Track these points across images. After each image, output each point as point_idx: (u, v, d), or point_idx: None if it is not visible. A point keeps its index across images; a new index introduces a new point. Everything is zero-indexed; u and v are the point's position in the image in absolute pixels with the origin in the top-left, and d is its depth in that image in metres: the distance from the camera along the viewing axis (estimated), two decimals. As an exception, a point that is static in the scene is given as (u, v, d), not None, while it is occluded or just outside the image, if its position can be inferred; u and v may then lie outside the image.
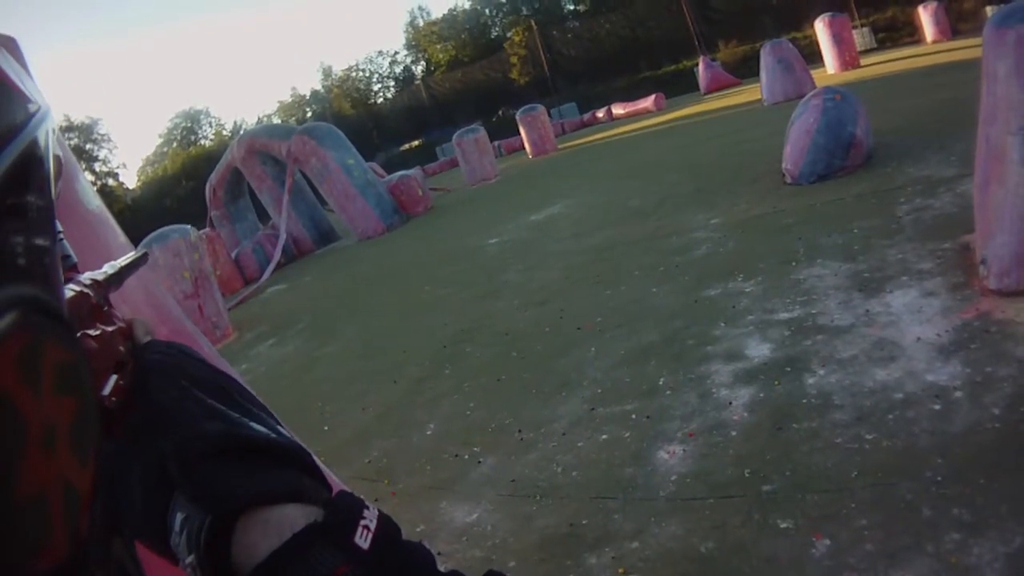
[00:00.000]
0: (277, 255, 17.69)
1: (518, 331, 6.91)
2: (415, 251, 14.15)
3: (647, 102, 41.53)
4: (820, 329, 4.93)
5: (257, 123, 70.29)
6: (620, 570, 3.17)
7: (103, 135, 71.35)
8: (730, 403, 4.33)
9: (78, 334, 0.63)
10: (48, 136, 0.48)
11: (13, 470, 0.37)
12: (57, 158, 0.53)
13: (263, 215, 23.66)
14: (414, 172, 22.20)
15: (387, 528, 0.64)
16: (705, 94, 39.81)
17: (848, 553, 2.83)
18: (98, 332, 0.68)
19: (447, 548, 3.75)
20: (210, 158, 47.63)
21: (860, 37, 37.03)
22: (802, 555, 2.90)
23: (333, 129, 19.79)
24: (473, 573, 0.63)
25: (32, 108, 0.47)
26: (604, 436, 4.42)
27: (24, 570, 0.38)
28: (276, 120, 71.03)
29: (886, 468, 3.28)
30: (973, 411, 3.48)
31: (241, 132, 31.63)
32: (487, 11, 73.08)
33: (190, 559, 0.62)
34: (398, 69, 78.75)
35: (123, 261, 0.85)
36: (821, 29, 27.10)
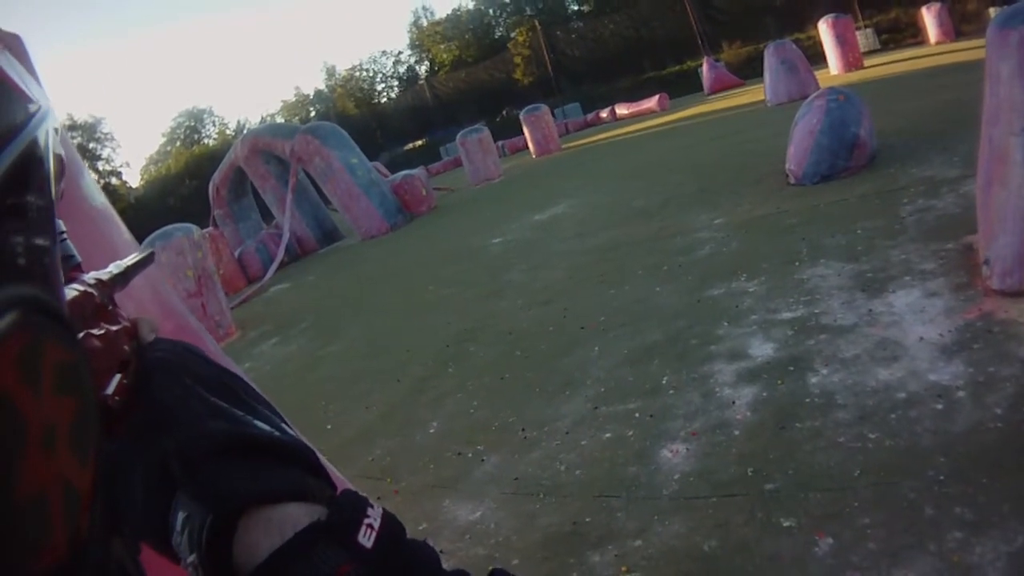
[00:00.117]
0: (280, 254, 17.69)
1: (522, 330, 6.92)
2: (419, 250, 14.16)
3: (651, 102, 41.44)
4: (823, 329, 4.94)
5: (261, 122, 70.24)
6: (623, 568, 3.18)
7: (106, 134, 71.28)
8: (733, 402, 4.33)
9: (82, 333, 0.63)
10: (48, 136, 0.48)
11: (13, 470, 0.37)
12: (59, 157, 0.53)
13: (266, 214, 23.64)
14: (418, 172, 22.13)
15: (391, 527, 0.63)
16: (709, 95, 39.71)
17: (851, 552, 2.83)
18: (102, 331, 0.67)
19: (450, 546, 3.75)
20: (213, 157, 47.54)
21: (864, 38, 36.99)
22: (805, 554, 2.91)
23: (337, 128, 19.80)
24: (476, 571, 0.64)
25: (32, 108, 0.47)
26: (607, 435, 4.43)
27: (24, 570, 0.38)
28: (280, 119, 70.89)
29: (889, 467, 3.28)
30: (976, 411, 3.49)
31: (245, 131, 31.62)
32: (491, 11, 72.98)
33: (192, 558, 0.61)
34: (402, 69, 78.68)
35: (129, 261, 0.84)
36: (825, 30, 27.06)
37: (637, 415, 4.55)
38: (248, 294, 15.61)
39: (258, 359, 9.43)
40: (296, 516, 0.61)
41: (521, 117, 28.52)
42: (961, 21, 34.68)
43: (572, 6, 70.15)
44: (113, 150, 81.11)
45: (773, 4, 54.73)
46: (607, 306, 6.82)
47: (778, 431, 3.87)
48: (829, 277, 5.78)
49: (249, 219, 23.46)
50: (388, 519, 0.64)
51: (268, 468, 0.65)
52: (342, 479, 2.76)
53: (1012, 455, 3.09)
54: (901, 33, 43.58)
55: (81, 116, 69.47)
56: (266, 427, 0.69)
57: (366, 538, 0.60)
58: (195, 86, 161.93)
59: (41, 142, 0.47)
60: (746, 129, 16.69)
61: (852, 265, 5.86)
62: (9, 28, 1.99)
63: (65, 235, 0.68)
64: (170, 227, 12.21)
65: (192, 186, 61.05)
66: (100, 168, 67.65)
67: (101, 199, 2.15)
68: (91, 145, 67.10)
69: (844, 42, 26.72)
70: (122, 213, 2.30)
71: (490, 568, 0.68)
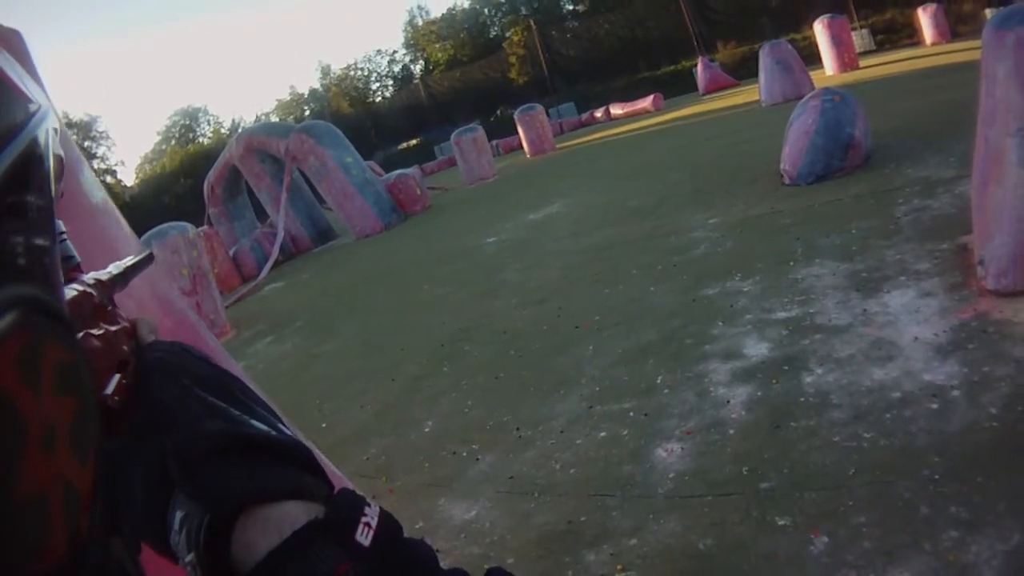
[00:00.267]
0: (275, 253, 17.68)
1: (516, 330, 6.92)
2: (413, 250, 14.16)
3: (645, 102, 41.49)
4: (818, 328, 4.94)
5: (255, 121, 70.09)
6: (618, 567, 3.18)
7: (101, 132, 71.21)
8: (728, 401, 4.34)
9: (81, 333, 0.63)
10: (48, 135, 0.48)
11: (13, 470, 0.37)
12: (58, 157, 0.52)
13: (261, 213, 23.65)
14: (412, 171, 22.13)
15: (389, 525, 0.63)
16: (704, 95, 39.76)
17: (846, 551, 2.84)
18: (101, 331, 0.68)
19: (446, 545, 3.75)
20: (208, 156, 47.52)
21: (859, 39, 37.02)
22: (800, 552, 2.91)
23: (331, 127, 19.79)
24: (472, 570, 0.64)
25: (32, 108, 0.46)
26: (602, 434, 4.43)
27: (24, 570, 0.37)
28: (274, 118, 70.73)
29: (884, 466, 3.29)
30: (971, 410, 3.50)
31: (239, 130, 31.61)
32: (486, 11, 72.92)
33: (190, 557, 0.61)
34: (397, 68, 78.59)
35: (128, 261, 0.84)
36: (820, 30, 27.10)
37: (632, 414, 4.55)
38: (243, 293, 15.60)
39: (253, 358, 9.42)
40: (294, 515, 0.61)
41: (516, 117, 28.55)
42: (957, 22, 34.75)
43: (567, 6, 70.15)
44: (108, 148, 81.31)
45: (768, 4, 54.79)
46: (602, 305, 6.83)
47: (773, 430, 3.87)
48: (824, 277, 5.79)
49: (244, 218, 23.43)
50: (386, 518, 0.64)
51: (265, 467, 0.65)
52: (341, 476, 2.76)
53: (1007, 454, 3.09)
54: (897, 34, 43.63)
55: (76, 114, 69.40)
56: (263, 427, 0.69)
57: (364, 537, 0.60)
58: (190, 85, 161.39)
59: (41, 141, 0.46)
60: (741, 129, 16.71)
61: (847, 265, 5.87)
62: (3, 24, 1.98)
63: (65, 235, 0.68)
64: (165, 225, 12.19)
65: (187, 185, 61.00)
66: (95, 167, 67.38)
67: (101, 195, 2.15)
68: (86, 143, 67.00)
69: (839, 43, 26.76)
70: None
71: (487, 567, 0.67)
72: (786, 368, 4.52)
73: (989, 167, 4.58)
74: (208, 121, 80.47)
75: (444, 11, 77.49)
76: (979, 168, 4.75)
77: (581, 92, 58.77)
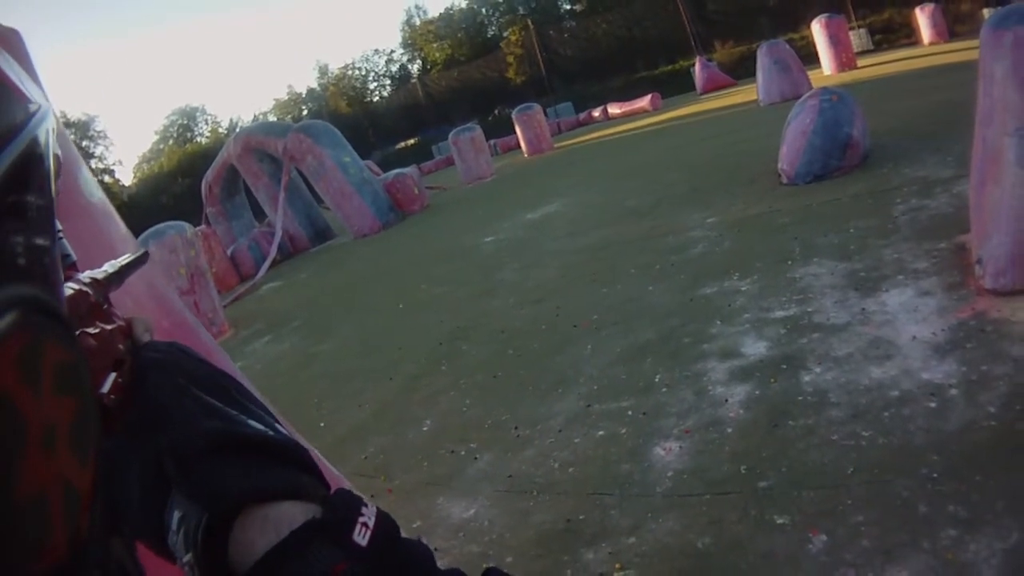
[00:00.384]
0: (273, 252, 17.67)
1: (514, 329, 6.92)
2: (411, 249, 14.15)
3: (643, 102, 41.45)
4: (816, 327, 4.95)
5: (253, 121, 70.03)
6: (617, 565, 3.18)
7: (99, 132, 71.03)
8: (726, 400, 4.34)
9: (77, 332, 0.62)
10: (48, 135, 0.48)
11: (13, 470, 0.37)
12: (56, 156, 0.52)
13: (259, 212, 23.62)
14: (410, 170, 22.08)
15: (386, 525, 0.63)
16: (701, 94, 39.73)
17: (844, 549, 2.84)
18: (97, 330, 0.68)
19: (444, 544, 3.75)
20: (206, 155, 47.43)
21: (857, 38, 37.02)
22: (798, 551, 2.92)
23: (329, 127, 19.78)
24: (470, 569, 0.64)
25: (32, 108, 0.46)
26: (600, 432, 4.43)
27: (24, 570, 0.37)
28: (272, 118, 70.75)
29: (882, 465, 3.29)
30: (969, 409, 3.50)
31: (237, 129, 31.62)
32: (484, 10, 72.84)
33: (187, 557, 0.61)
34: (394, 68, 78.46)
35: (123, 260, 0.84)
36: (818, 30, 27.10)
37: (630, 413, 4.55)
38: (241, 292, 15.60)
39: (251, 357, 9.41)
40: (291, 514, 0.61)
41: (513, 116, 28.54)
42: (955, 22, 34.74)
43: (565, 5, 70.10)
44: (106, 148, 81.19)
45: (766, 4, 54.77)
46: (600, 305, 6.83)
47: (771, 429, 3.87)
48: (822, 276, 5.79)
49: (242, 217, 23.42)
50: (382, 518, 0.64)
51: (262, 467, 0.65)
52: (339, 476, 2.76)
53: (1005, 453, 3.10)
54: (895, 33, 43.62)
55: (74, 114, 69.24)
56: (260, 426, 0.69)
57: (361, 536, 0.60)
58: (188, 84, 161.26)
59: (41, 141, 0.46)
60: (739, 129, 16.72)
61: (845, 264, 5.88)
62: (2, 23, 1.98)
63: (61, 234, 0.67)
64: (163, 225, 12.20)
65: (185, 184, 60.93)
66: (93, 166, 67.44)
67: (99, 194, 2.16)
68: (84, 143, 66.86)
69: (837, 42, 26.76)
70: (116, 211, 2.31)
71: (484, 567, 0.67)
72: (784, 367, 4.53)
73: (987, 167, 4.59)
74: (206, 121, 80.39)
75: (442, 11, 77.52)
76: (977, 168, 4.76)
77: (579, 92, 58.72)
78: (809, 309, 5.27)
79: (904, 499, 3.01)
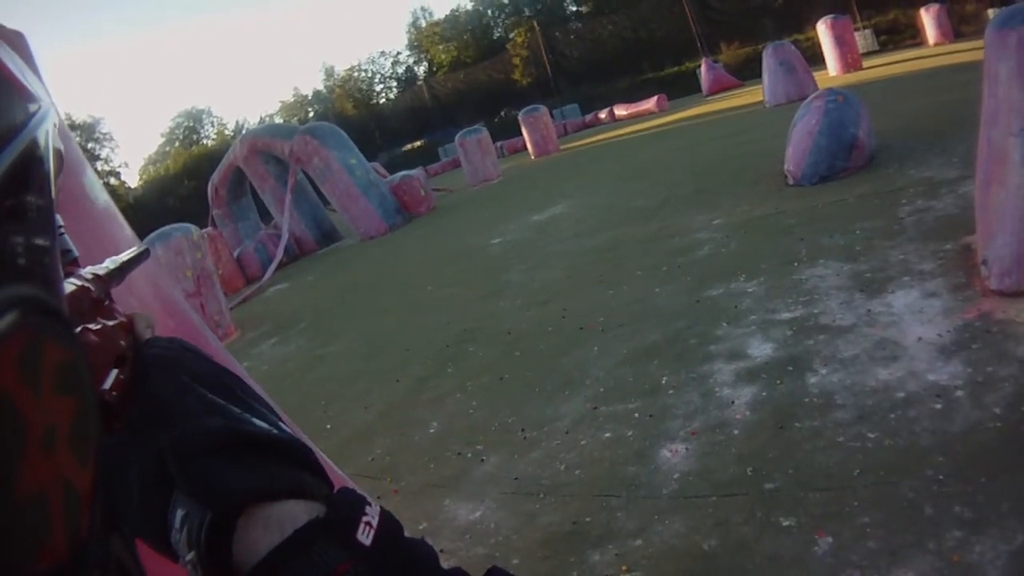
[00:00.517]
0: (279, 254, 17.70)
1: (521, 331, 6.92)
2: (417, 251, 14.16)
3: (649, 103, 41.45)
4: (822, 329, 4.94)
5: (259, 123, 70.23)
6: (623, 567, 3.18)
7: (105, 134, 71.23)
8: (732, 402, 4.34)
9: (79, 328, 0.63)
10: (48, 135, 0.48)
11: (13, 470, 0.37)
12: (58, 152, 0.52)
13: (265, 214, 23.63)
14: (416, 172, 22.13)
15: (389, 525, 0.63)
16: (707, 95, 39.74)
17: (850, 551, 2.84)
18: (99, 326, 0.68)
19: (450, 546, 3.75)
20: (212, 157, 47.51)
21: (862, 39, 37.00)
22: (805, 553, 2.92)
23: (335, 129, 19.81)
24: (476, 571, 0.64)
25: (32, 108, 0.46)
26: (607, 434, 4.43)
27: (24, 570, 0.37)
28: (278, 120, 70.83)
29: (888, 467, 3.29)
30: (974, 410, 3.50)
31: (243, 132, 31.61)
32: (489, 12, 72.95)
33: (190, 556, 0.61)
34: (400, 70, 78.60)
35: (125, 256, 0.84)
36: (823, 31, 27.10)
37: (637, 415, 4.55)
38: (247, 294, 15.62)
39: (257, 359, 9.42)
40: (295, 513, 0.61)
41: (520, 118, 28.58)
42: (960, 22, 34.70)
43: (571, 7, 70.21)
44: (112, 150, 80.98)
45: (772, 5, 54.75)
46: (606, 306, 6.83)
47: (777, 431, 3.87)
48: (828, 277, 5.79)
49: (248, 219, 23.44)
50: (386, 517, 0.64)
51: (265, 465, 0.65)
52: (343, 477, 2.76)
53: (1011, 454, 3.10)
54: (900, 34, 43.58)
55: (80, 116, 69.46)
56: (263, 424, 0.69)
57: (365, 536, 0.60)
58: (194, 87, 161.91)
59: (41, 142, 0.46)
60: (744, 130, 16.70)
61: (851, 265, 5.87)
62: (7, 25, 1.99)
63: (63, 229, 0.67)
64: (169, 227, 12.22)
65: (191, 186, 61.02)
66: (99, 168, 67.49)
67: (104, 197, 2.16)
68: (90, 145, 66.97)
69: (843, 43, 26.76)
70: (121, 213, 2.31)
71: (489, 567, 0.67)
72: (790, 368, 4.52)
73: (992, 167, 4.59)
74: (212, 123, 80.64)
75: (447, 12, 77.67)
76: (982, 168, 4.75)
77: (585, 93, 58.75)
78: (815, 310, 5.26)
79: (910, 500, 3.01)
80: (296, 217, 19.92)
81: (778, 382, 4.40)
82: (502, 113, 62.82)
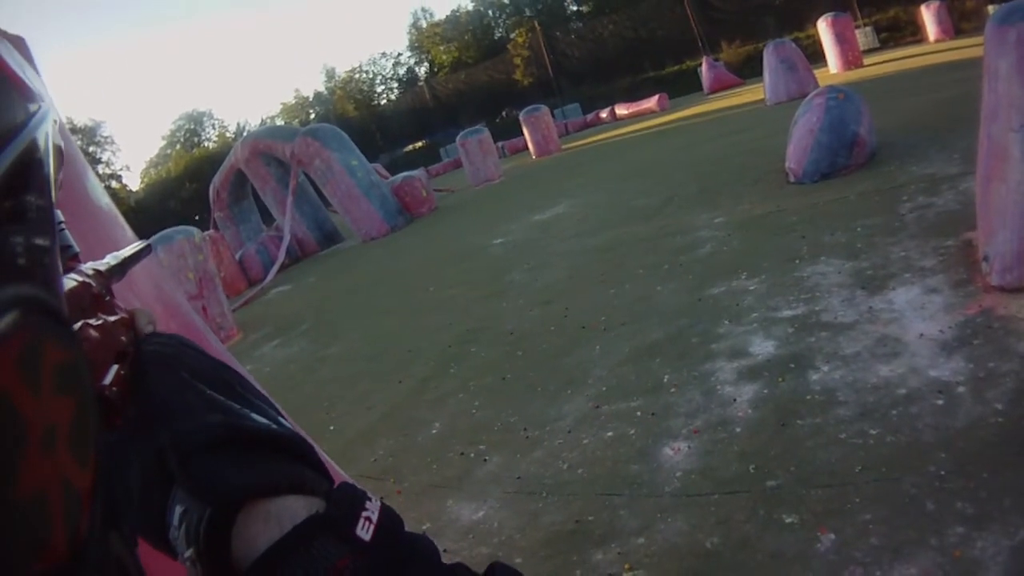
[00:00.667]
0: (281, 256, 17.71)
1: (523, 331, 6.93)
2: (419, 252, 14.17)
3: (650, 102, 41.40)
4: (824, 326, 4.95)
5: (260, 125, 70.17)
6: (626, 566, 3.19)
7: (106, 137, 71.19)
8: (734, 400, 4.34)
9: (80, 323, 0.63)
10: (48, 136, 0.48)
11: (13, 470, 0.37)
12: (58, 150, 0.53)
13: (267, 216, 23.65)
14: (418, 173, 22.12)
15: (389, 520, 0.63)
16: (708, 94, 39.70)
17: (853, 547, 2.84)
18: (100, 322, 0.68)
19: (453, 546, 3.76)
20: (213, 160, 47.56)
21: (863, 37, 36.95)
22: (807, 550, 2.92)
23: (337, 130, 19.81)
24: (479, 570, 0.64)
25: (32, 107, 0.47)
26: (609, 433, 4.44)
27: (24, 570, 0.37)
28: (279, 122, 70.83)
29: (890, 463, 3.29)
30: (976, 406, 3.50)
31: (244, 134, 31.65)
32: (490, 12, 72.94)
33: (189, 552, 0.61)
34: (401, 71, 78.59)
35: (126, 252, 0.85)
36: (824, 29, 27.08)
37: (639, 413, 4.56)
38: (249, 296, 15.63)
39: (260, 361, 9.43)
40: (295, 509, 0.61)
41: (521, 118, 28.55)
42: (960, 19, 34.65)
43: (571, 7, 70.15)
44: (113, 153, 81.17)
45: (772, 3, 54.68)
46: (608, 305, 6.83)
47: (779, 428, 3.88)
48: (829, 275, 5.79)
49: (249, 221, 23.47)
50: (386, 512, 0.63)
51: (265, 461, 0.65)
52: (346, 478, 2.77)
53: (1013, 450, 3.10)
54: (900, 31, 43.54)
55: (80, 119, 69.43)
56: (262, 420, 0.69)
57: (364, 531, 0.60)
58: (195, 89, 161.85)
59: (41, 143, 0.47)
60: (746, 128, 16.69)
61: (852, 262, 5.87)
62: (7, 30, 1.99)
63: (63, 225, 0.67)
64: (171, 230, 12.24)
65: (192, 189, 61.18)
66: (100, 172, 67.51)
67: (106, 200, 2.17)
68: (91, 149, 66.96)
69: (843, 40, 26.74)
70: (123, 216, 2.32)
71: (491, 562, 0.67)
72: (792, 366, 4.53)
73: (993, 163, 4.59)
74: (213, 125, 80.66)
75: (448, 13, 77.61)
76: (983, 164, 4.75)
77: (586, 93, 58.73)
78: (817, 308, 5.26)
79: (912, 497, 3.01)
80: (298, 219, 19.94)
81: (780, 379, 4.40)
82: (503, 113, 62.83)
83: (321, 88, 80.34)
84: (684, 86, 49.64)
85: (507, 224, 13.52)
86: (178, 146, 77.45)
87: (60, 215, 0.61)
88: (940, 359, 4.04)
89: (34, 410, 0.39)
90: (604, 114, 45.57)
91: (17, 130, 0.44)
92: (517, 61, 66.35)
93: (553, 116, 31.39)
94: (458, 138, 24.11)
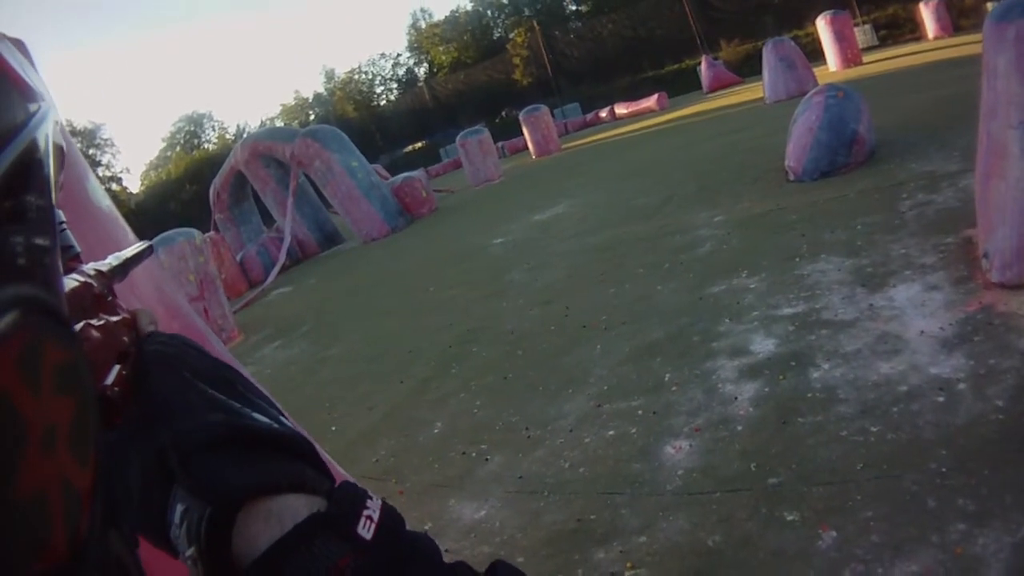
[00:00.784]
0: (282, 258, 17.72)
1: (524, 330, 6.93)
2: (420, 252, 14.16)
3: (650, 101, 41.44)
4: (824, 324, 4.95)
5: (260, 126, 70.18)
6: (628, 564, 3.19)
7: (106, 140, 71.26)
8: (735, 398, 4.35)
9: (81, 324, 0.63)
10: (48, 136, 0.48)
11: (13, 470, 0.37)
12: (59, 149, 0.52)
13: (267, 218, 23.64)
14: (418, 174, 22.11)
15: (390, 518, 0.63)
16: (708, 93, 39.72)
17: (854, 545, 2.84)
18: (101, 322, 0.67)
19: (455, 545, 3.76)
20: (213, 162, 47.58)
21: (862, 34, 36.99)
22: (808, 547, 2.92)
23: (337, 131, 19.81)
24: (481, 569, 0.64)
25: (32, 107, 0.47)
26: (611, 432, 4.44)
27: (24, 570, 0.37)
28: (279, 123, 71.02)
29: (891, 460, 3.29)
30: (977, 403, 3.50)
31: (244, 135, 31.63)
32: (489, 12, 72.97)
33: (190, 551, 0.61)
34: (401, 71, 78.63)
35: (128, 252, 0.85)
36: (823, 27, 27.10)
37: (640, 412, 4.56)
38: (250, 298, 15.63)
39: (261, 363, 9.43)
40: (296, 507, 0.61)
41: (520, 118, 28.57)
42: (959, 16, 34.65)
43: (570, 6, 70.19)
44: (113, 156, 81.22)
45: (771, 2, 54.70)
46: (608, 305, 6.83)
47: (780, 426, 3.88)
48: (829, 272, 5.79)
49: (250, 223, 23.46)
50: (387, 511, 0.64)
51: (266, 460, 0.65)
52: (346, 477, 2.77)
53: (1014, 447, 3.10)
54: (899, 29, 43.59)
55: (80, 122, 69.49)
56: (263, 419, 0.69)
57: (366, 530, 0.60)
58: (195, 91, 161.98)
59: (41, 143, 0.47)
60: (745, 127, 16.69)
61: (852, 260, 5.87)
62: (8, 33, 2.00)
63: (64, 225, 0.67)
64: (172, 232, 12.24)
65: (192, 191, 61.16)
66: (100, 174, 67.48)
67: (107, 202, 2.17)
68: (91, 151, 67.00)
69: (842, 38, 26.76)
70: (123, 218, 2.32)
71: (492, 560, 0.67)
72: (793, 364, 4.53)
73: (992, 160, 4.59)
74: (213, 127, 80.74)
75: (447, 13, 77.48)
76: (982, 161, 4.76)
77: (585, 92, 58.77)
78: (817, 306, 5.27)
79: (913, 494, 3.02)
80: (298, 220, 19.93)
81: (781, 378, 4.40)
82: (503, 113, 62.86)
83: (321, 89, 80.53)
84: (683, 85, 49.68)
85: (507, 224, 13.52)
86: (178, 148, 77.51)
87: (61, 215, 0.61)
88: (941, 356, 4.05)
89: (34, 410, 0.39)
90: (604, 113, 45.62)
91: (17, 130, 0.44)
92: (516, 61, 66.38)
93: (553, 116, 31.38)
94: (458, 138, 24.11)
